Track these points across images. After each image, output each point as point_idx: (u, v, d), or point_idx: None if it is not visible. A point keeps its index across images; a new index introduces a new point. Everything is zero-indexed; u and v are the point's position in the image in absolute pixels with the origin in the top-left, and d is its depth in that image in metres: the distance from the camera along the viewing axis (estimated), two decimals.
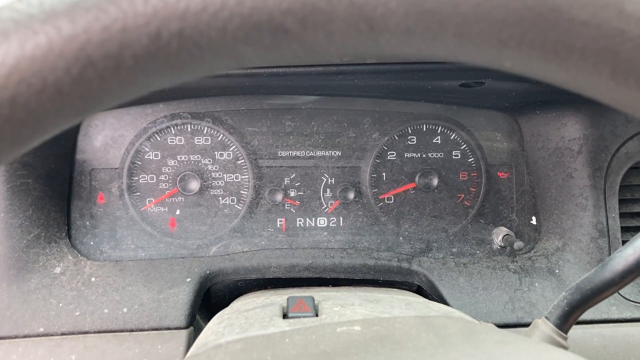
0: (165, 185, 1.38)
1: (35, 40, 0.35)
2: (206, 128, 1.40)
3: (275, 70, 1.07)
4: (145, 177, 1.38)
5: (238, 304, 1.06)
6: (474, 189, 1.45)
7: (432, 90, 1.33)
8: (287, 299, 0.95)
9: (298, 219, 1.43)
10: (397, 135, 1.44)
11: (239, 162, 1.41)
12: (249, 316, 0.93)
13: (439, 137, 1.45)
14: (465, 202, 1.45)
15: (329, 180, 1.44)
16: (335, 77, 1.13)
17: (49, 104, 0.37)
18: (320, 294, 1.04)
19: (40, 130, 0.40)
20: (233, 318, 0.94)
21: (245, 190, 1.41)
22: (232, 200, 1.40)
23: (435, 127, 1.45)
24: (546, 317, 0.92)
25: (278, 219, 1.42)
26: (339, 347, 0.71)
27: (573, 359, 0.63)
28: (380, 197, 1.43)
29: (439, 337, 0.72)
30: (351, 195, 1.42)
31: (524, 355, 0.66)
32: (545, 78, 0.41)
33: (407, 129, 1.44)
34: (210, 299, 1.35)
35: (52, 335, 1.10)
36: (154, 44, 0.35)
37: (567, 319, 0.90)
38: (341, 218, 1.44)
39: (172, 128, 1.39)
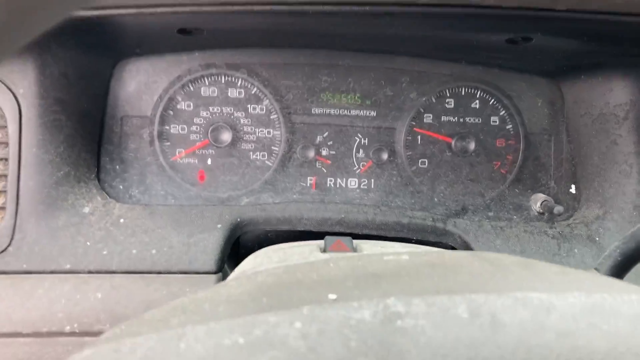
0: (197, 136, 1.36)
1: None
2: (240, 80, 1.37)
3: (321, 8, 1.04)
4: (176, 127, 1.35)
5: (272, 246, 1.03)
6: (511, 156, 1.41)
7: (475, 47, 1.29)
8: (325, 239, 0.92)
9: (329, 179, 1.39)
10: (435, 97, 1.40)
11: (271, 117, 1.38)
12: (287, 252, 0.89)
13: (477, 101, 1.41)
14: (502, 170, 1.41)
15: (363, 140, 1.40)
16: (381, 20, 1.10)
17: None
18: (357, 241, 1.01)
19: None
20: (270, 252, 0.91)
21: (276, 146, 1.38)
22: (263, 155, 1.37)
23: (474, 91, 1.41)
24: (596, 269, 0.88)
25: (309, 177, 1.39)
26: (388, 270, 0.66)
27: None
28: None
29: (494, 266, 0.68)
30: (385, 157, 1.39)
31: (588, 284, 0.62)
32: None
33: (446, 92, 1.40)
34: (239, 249, 1.32)
35: (79, 272, 1.07)
36: None
37: (620, 270, 0.86)
38: (372, 180, 1.40)
39: (206, 78, 1.36)
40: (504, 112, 1.41)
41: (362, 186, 1.39)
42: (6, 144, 1.13)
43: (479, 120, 1.41)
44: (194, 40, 1.27)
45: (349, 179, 1.40)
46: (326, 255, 0.83)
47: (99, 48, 1.23)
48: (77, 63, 1.21)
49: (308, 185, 1.38)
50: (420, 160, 1.40)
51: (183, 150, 1.35)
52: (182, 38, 1.24)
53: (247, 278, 0.72)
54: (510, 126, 1.41)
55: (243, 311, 0.56)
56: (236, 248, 1.30)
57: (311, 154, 1.38)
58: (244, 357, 0.45)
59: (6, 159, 1.13)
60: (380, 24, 1.15)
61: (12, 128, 1.13)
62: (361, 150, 1.40)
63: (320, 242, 0.94)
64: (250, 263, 0.89)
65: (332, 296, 0.54)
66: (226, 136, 1.35)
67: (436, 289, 0.56)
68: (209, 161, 1.36)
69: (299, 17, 1.08)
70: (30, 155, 1.13)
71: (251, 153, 1.37)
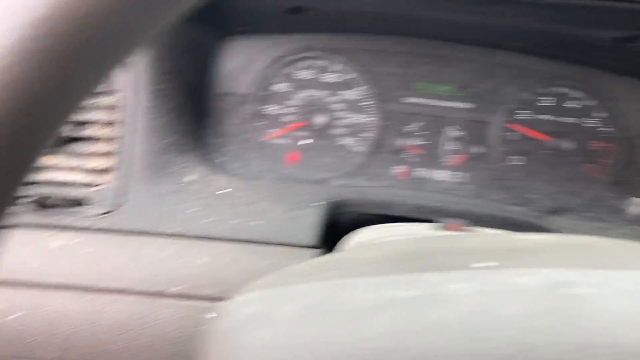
0: (291, 117, 1.37)
1: None
2: (337, 64, 1.37)
3: None
4: (272, 107, 1.37)
5: (382, 224, 1.02)
6: (609, 159, 1.37)
7: (580, 44, 1.27)
8: (439, 220, 0.91)
9: (419, 168, 1.39)
10: (533, 94, 1.38)
11: (365, 103, 1.38)
12: (402, 229, 0.89)
13: (577, 101, 1.38)
14: (599, 172, 1.37)
15: (456, 133, 1.39)
16: (494, 7, 1.09)
17: None
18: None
19: None
20: (383, 229, 0.90)
21: (368, 132, 1.38)
22: (356, 141, 1.38)
23: (574, 91, 1.38)
24: None
25: (399, 166, 1.38)
26: (525, 246, 0.64)
27: None
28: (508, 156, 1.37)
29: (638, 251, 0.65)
30: (477, 150, 1.37)
31: None
32: None
33: (544, 89, 1.38)
34: (334, 230, 1.32)
35: (183, 236, 1.09)
36: None
37: None
38: (464, 173, 1.38)
39: (304, 61, 1.37)
40: (604, 114, 1.38)
41: (452, 178, 1.38)
42: (118, 108, 1.17)
43: (577, 120, 1.38)
44: (296, 21, 1.29)
45: (439, 170, 1.39)
46: (450, 233, 0.82)
47: (209, 23, 1.26)
48: (187, 36, 1.24)
49: (398, 173, 1.38)
50: (514, 157, 1.38)
51: (278, 130, 1.37)
52: (286, 19, 1.26)
53: (379, 246, 0.71)
54: (610, 129, 1.38)
55: (398, 270, 0.55)
56: (329, 229, 1.31)
57: (403, 142, 1.38)
58: (413, 310, 0.44)
59: (118, 123, 1.16)
60: (492, 11, 1.14)
61: (124, 93, 1.16)
62: (454, 142, 1.39)
63: (432, 224, 0.94)
64: (362, 237, 0.89)
65: (488, 264, 0.53)
66: (320, 119, 1.36)
67: (592, 264, 0.55)
68: (303, 143, 1.37)
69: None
70: (140, 121, 1.16)
71: (343, 137, 1.38)
